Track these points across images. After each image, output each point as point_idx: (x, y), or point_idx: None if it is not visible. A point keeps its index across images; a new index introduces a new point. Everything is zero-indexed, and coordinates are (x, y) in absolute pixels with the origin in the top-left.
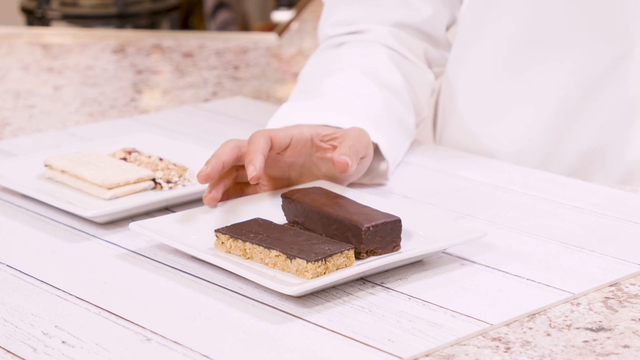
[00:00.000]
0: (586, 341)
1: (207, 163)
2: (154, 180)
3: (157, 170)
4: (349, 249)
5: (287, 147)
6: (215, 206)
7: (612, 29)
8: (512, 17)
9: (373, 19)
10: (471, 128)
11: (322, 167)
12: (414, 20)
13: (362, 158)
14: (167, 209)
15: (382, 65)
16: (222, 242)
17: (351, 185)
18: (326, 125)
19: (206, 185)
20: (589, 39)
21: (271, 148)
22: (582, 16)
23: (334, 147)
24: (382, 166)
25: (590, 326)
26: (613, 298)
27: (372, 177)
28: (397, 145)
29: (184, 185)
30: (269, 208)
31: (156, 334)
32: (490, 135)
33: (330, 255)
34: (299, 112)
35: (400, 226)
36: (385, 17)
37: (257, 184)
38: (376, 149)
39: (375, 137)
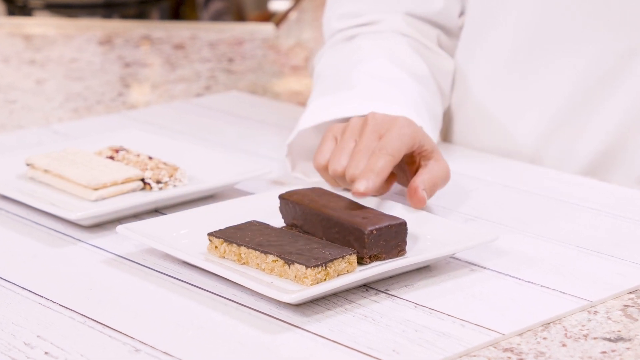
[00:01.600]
0: (604, 352)
1: (378, 173)
2: (142, 180)
3: (146, 169)
4: (351, 254)
5: None
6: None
7: (628, 20)
8: (525, 8)
9: (383, 9)
10: (481, 124)
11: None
12: (426, 10)
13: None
14: (157, 211)
15: (405, 54)
16: (216, 247)
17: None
18: (404, 117)
19: (199, 187)
20: (604, 29)
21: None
22: (596, 6)
23: (418, 165)
24: None
25: (608, 336)
26: (633, 306)
27: None
28: (432, 135)
29: (174, 186)
30: (265, 210)
31: (145, 344)
32: (502, 132)
33: (331, 261)
34: (335, 107)
35: (406, 229)
36: (395, 7)
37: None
38: None
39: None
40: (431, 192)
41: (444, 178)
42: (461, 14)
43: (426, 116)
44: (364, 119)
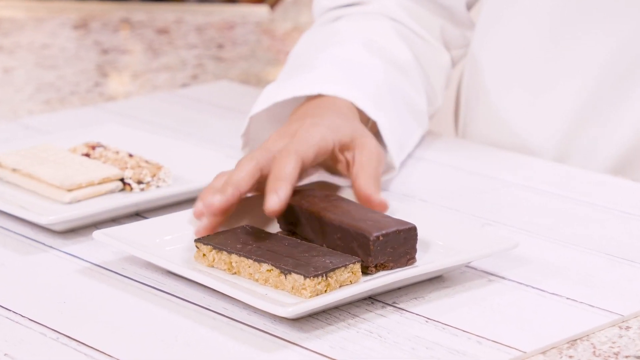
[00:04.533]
0: None
1: (222, 191)
2: (122, 180)
3: (126, 168)
4: (354, 263)
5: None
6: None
7: None
8: None
9: None
10: (501, 116)
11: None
12: None
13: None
14: (138, 214)
15: (386, 39)
16: (204, 254)
17: None
18: (339, 131)
19: (185, 188)
20: (635, 9)
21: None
22: None
23: (347, 162)
24: (386, 154)
25: None
26: None
27: None
28: (402, 127)
29: (157, 187)
30: (259, 213)
31: None
32: (524, 124)
33: (333, 270)
34: (285, 89)
35: (416, 235)
36: None
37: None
38: (376, 132)
39: (373, 114)
40: (378, 187)
41: (378, 163)
42: (473, 1)
43: (391, 105)
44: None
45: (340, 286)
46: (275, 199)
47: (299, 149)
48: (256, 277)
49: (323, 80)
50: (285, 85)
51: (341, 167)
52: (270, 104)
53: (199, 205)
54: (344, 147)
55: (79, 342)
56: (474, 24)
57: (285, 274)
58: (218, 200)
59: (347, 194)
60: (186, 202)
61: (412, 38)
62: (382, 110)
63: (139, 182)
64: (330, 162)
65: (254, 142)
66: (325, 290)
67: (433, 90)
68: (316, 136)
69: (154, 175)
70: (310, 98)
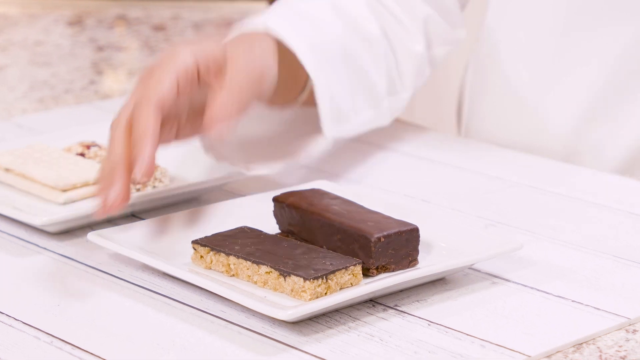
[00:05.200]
0: None
1: (113, 182)
2: None
3: None
4: (355, 265)
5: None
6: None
7: None
8: None
9: None
10: (507, 113)
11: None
12: None
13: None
14: (134, 215)
15: (355, 9)
16: (201, 256)
17: (355, 186)
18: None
19: (182, 188)
20: None
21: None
22: None
23: (219, 85)
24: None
25: None
26: None
27: (307, 144)
28: (346, 96)
29: (154, 187)
30: (257, 214)
31: None
32: (531, 121)
33: (333, 272)
34: (231, 32)
35: (418, 236)
36: None
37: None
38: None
39: (312, 69)
40: (226, 113)
41: (244, 73)
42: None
43: (337, 67)
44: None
45: (340, 289)
46: (142, 163)
47: (151, 94)
48: (255, 280)
49: (271, 19)
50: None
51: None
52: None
53: (100, 208)
54: (211, 70)
55: (74, 345)
56: (464, 26)
57: (285, 276)
58: (114, 196)
59: (348, 194)
60: (183, 202)
61: (387, 17)
62: (325, 71)
63: (135, 183)
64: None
65: None
66: (326, 293)
67: (400, 76)
68: (173, 63)
69: None
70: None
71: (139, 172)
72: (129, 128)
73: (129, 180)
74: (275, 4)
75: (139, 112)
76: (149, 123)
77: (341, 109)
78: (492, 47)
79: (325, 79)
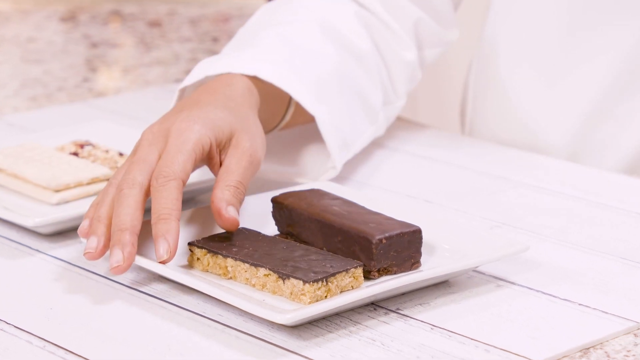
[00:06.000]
0: None
1: (121, 245)
2: None
3: (117, 168)
4: (356, 267)
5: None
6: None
7: None
8: None
9: None
10: (512, 111)
11: None
12: None
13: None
14: None
15: (346, 24)
16: (198, 258)
17: (355, 186)
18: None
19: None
20: None
21: None
22: None
23: (220, 164)
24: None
25: None
26: None
27: (316, 170)
28: (350, 124)
29: None
30: (256, 215)
31: None
32: (536, 119)
33: (333, 275)
34: (214, 63)
35: (421, 238)
36: None
37: None
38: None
39: (312, 107)
40: (237, 197)
41: (248, 166)
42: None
43: (337, 97)
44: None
45: (341, 292)
46: (165, 247)
47: (176, 170)
48: (253, 282)
49: (261, 59)
50: (221, 59)
51: (215, 169)
52: (202, 77)
53: (116, 266)
54: (220, 146)
55: (67, 350)
56: (457, 26)
57: (284, 279)
58: (121, 259)
59: (348, 195)
60: None
61: (377, 26)
62: (325, 104)
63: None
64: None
65: None
66: (326, 296)
67: (393, 86)
68: (192, 139)
69: None
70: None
71: (165, 253)
72: (145, 193)
73: (135, 250)
74: (260, 31)
75: (164, 190)
76: (173, 201)
77: (346, 136)
78: (495, 46)
79: (327, 114)
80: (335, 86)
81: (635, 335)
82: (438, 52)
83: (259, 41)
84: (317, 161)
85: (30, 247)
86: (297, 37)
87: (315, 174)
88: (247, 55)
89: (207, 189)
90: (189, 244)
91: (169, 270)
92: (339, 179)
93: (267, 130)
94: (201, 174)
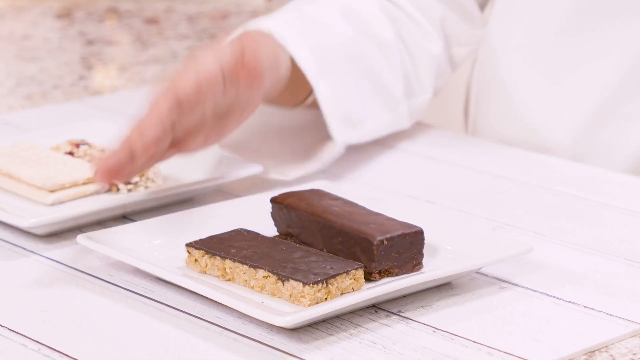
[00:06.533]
0: None
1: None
2: None
3: None
4: (357, 269)
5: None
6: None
7: None
8: None
9: None
10: (516, 109)
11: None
12: None
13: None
14: (125, 217)
15: (368, 12)
16: (196, 260)
17: (356, 186)
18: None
19: (176, 188)
20: None
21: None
22: None
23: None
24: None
25: None
26: None
27: (318, 148)
28: (357, 102)
29: (146, 187)
30: (255, 216)
31: None
32: (541, 117)
33: (334, 277)
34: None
35: (423, 239)
36: None
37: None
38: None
39: (310, 73)
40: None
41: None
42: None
43: (343, 73)
44: None
45: (341, 294)
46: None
47: (173, 85)
48: (252, 284)
49: (274, 23)
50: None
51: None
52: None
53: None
54: (243, 68)
55: (62, 353)
56: (485, 25)
57: (283, 281)
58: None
59: (349, 195)
60: (177, 203)
61: (402, 19)
62: (327, 78)
63: (126, 183)
64: (236, 88)
65: None
66: (326, 298)
67: (418, 79)
68: (197, 67)
69: (142, 175)
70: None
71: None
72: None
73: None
74: (282, 8)
75: (155, 104)
76: (161, 116)
77: (350, 113)
78: (499, 45)
79: (328, 83)
80: (344, 63)
81: None
82: (466, 51)
83: (276, 14)
84: (319, 139)
85: (24, 248)
86: (316, 14)
87: (320, 153)
88: (262, 21)
89: (204, 190)
90: (187, 245)
91: (166, 272)
92: (339, 178)
93: (290, 106)
94: (201, 175)
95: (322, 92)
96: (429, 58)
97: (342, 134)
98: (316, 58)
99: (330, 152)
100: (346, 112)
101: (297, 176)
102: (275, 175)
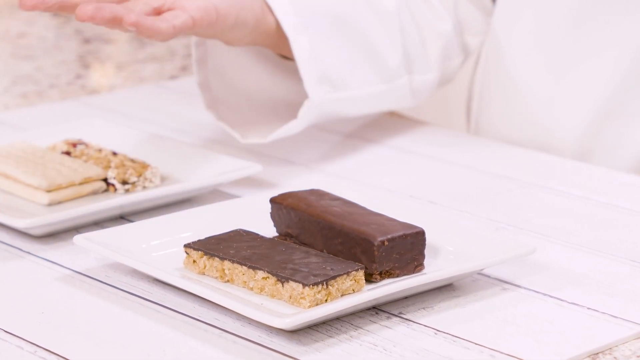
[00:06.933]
0: None
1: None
2: (105, 180)
3: (110, 167)
4: (357, 270)
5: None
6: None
7: None
8: None
9: None
10: (519, 107)
11: None
12: None
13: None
14: (123, 217)
15: None
16: (194, 261)
17: (356, 186)
18: None
19: (174, 189)
20: None
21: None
22: None
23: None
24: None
25: None
26: None
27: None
28: (339, 62)
29: (144, 187)
30: (254, 216)
31: None
32: (545, 115)
33: (334, 278)
34: None
35: (424, 240)
36: None
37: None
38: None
39: (289, 29)
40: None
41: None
42: None
43: (328, 33)
44: None
45: (342, 295)
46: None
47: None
48: (251, 286)
49: None
50: None
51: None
52: None
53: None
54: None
55: (59, 355)
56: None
57: (283, 282)
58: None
59: (349, 195)
60: (175, 204)
61: None
62: (307, 33)
63: (124, 183)
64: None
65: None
66: (326, 300)
67: (424, 55)
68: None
69: (139, 175)
70: None
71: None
72: None
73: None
74: None
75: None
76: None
77: (330, 73)
78: (502, 43)
79: (306, 39)
80: (330, 24)
81: None
82: (479, 40)
83: None
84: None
85: (21, 249)
86: None
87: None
88: None
89: (203, 190)
90: (185, 245)
91: (164, 273)
92: (339, 178)
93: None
94: (200, 175)
95: (300, 46)
96: (436, 35)
97: (319, 92)
98: (297, 12)
99: (307, 111)
100: (325, 71)
101: (276, 138)
102: (253, 139)
